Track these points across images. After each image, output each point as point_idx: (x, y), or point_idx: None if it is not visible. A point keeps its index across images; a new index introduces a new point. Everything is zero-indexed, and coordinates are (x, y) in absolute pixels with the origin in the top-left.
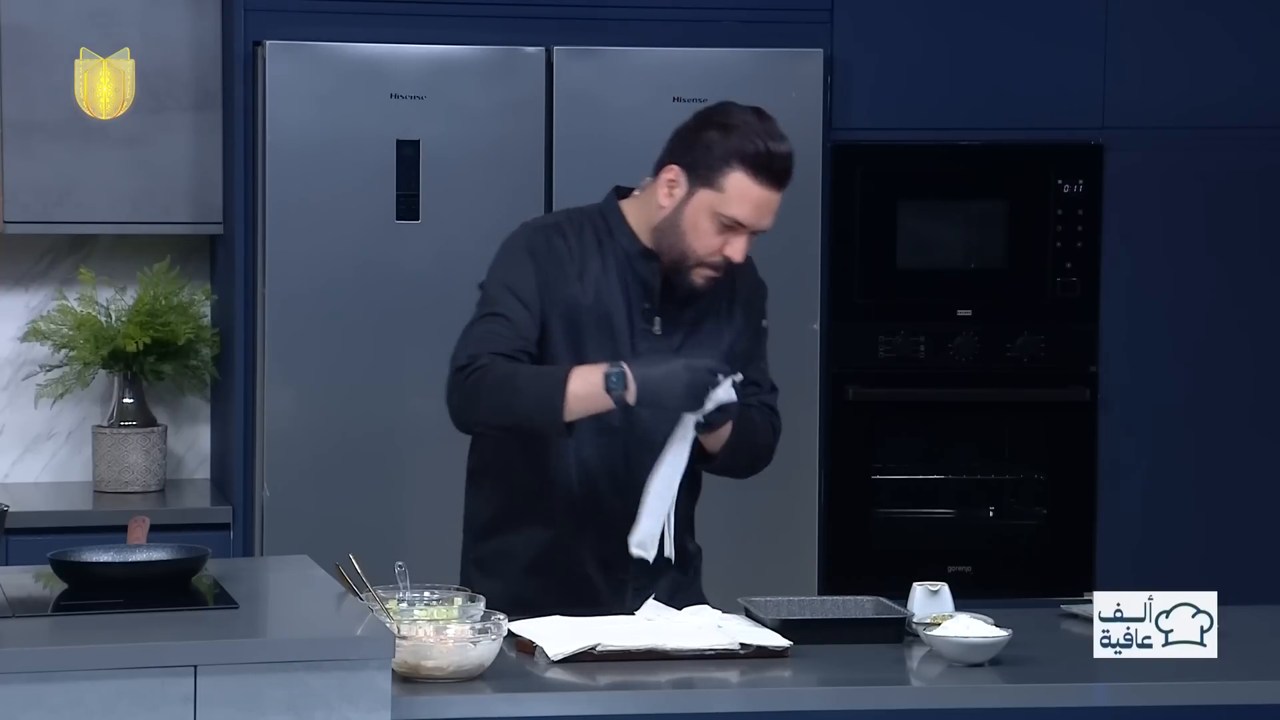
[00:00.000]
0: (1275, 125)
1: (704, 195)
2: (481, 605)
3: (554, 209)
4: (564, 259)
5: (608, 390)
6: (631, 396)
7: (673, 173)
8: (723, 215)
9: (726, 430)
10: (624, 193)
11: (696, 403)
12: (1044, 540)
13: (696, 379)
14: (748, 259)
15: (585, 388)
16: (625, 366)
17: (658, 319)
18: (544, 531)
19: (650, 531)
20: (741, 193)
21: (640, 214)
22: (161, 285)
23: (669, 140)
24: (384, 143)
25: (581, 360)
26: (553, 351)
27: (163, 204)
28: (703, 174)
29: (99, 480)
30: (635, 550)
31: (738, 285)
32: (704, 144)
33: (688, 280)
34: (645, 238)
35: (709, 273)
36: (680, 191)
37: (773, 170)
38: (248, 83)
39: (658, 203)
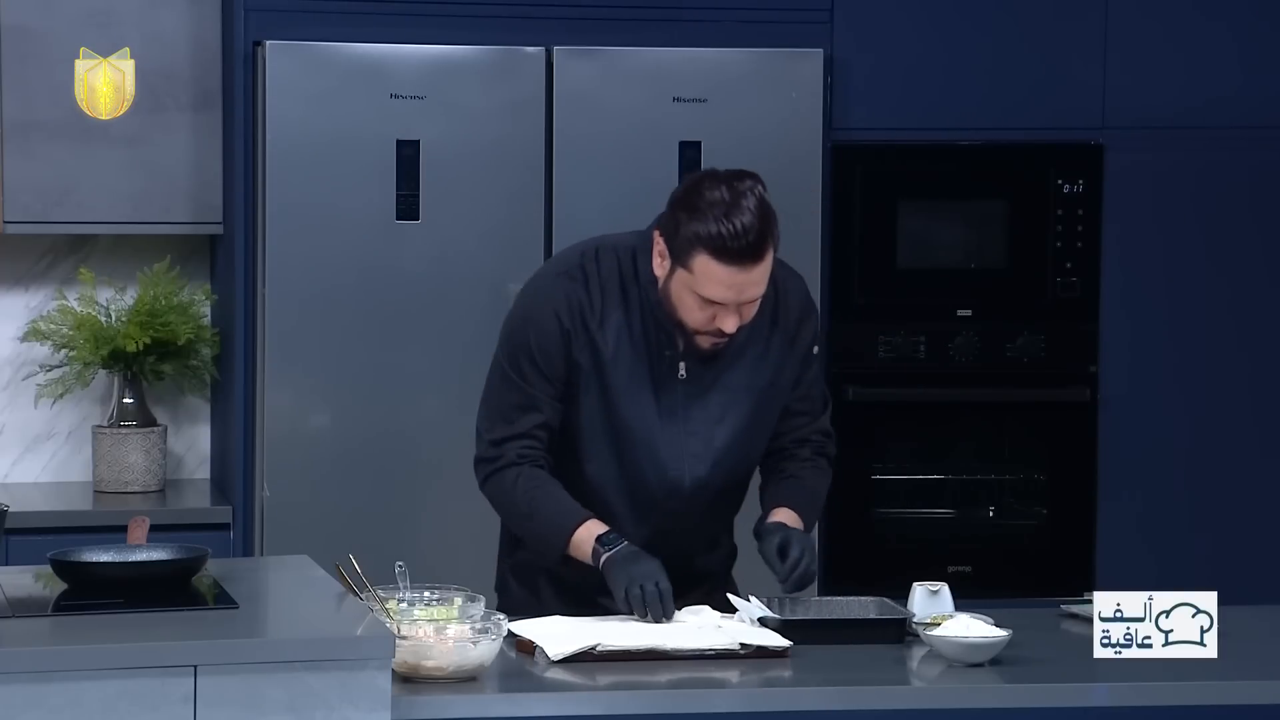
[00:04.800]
0: (1274, 125)
1: (681, 274)
2: (481, 605)
3: (554, 209)
4: (585, 312)
5: (593, 555)
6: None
7: (660, 245)
8: (699, 294)
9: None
10: None
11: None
12: (1044, 540)
13: (637, 589)
14: (796, 282)
15: (580, 552)
16: (614, 546)
17: (682, 364)
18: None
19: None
20: (708, 275)
21: (654, 260)
22: (161, 285)
23: (668, 200)
24: (384, 143)
25: (613, 409)
26: (584, 401)
27: (163, 204)
28: (676, 252)
29: (99, 480)
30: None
31: (778, 318)
32: (675, 222)
33: (693, 344)
34: None
35: (711, 339)
36: (666, 264)
37: (731, 251)
38: (248, 83)
39: (654, 269)
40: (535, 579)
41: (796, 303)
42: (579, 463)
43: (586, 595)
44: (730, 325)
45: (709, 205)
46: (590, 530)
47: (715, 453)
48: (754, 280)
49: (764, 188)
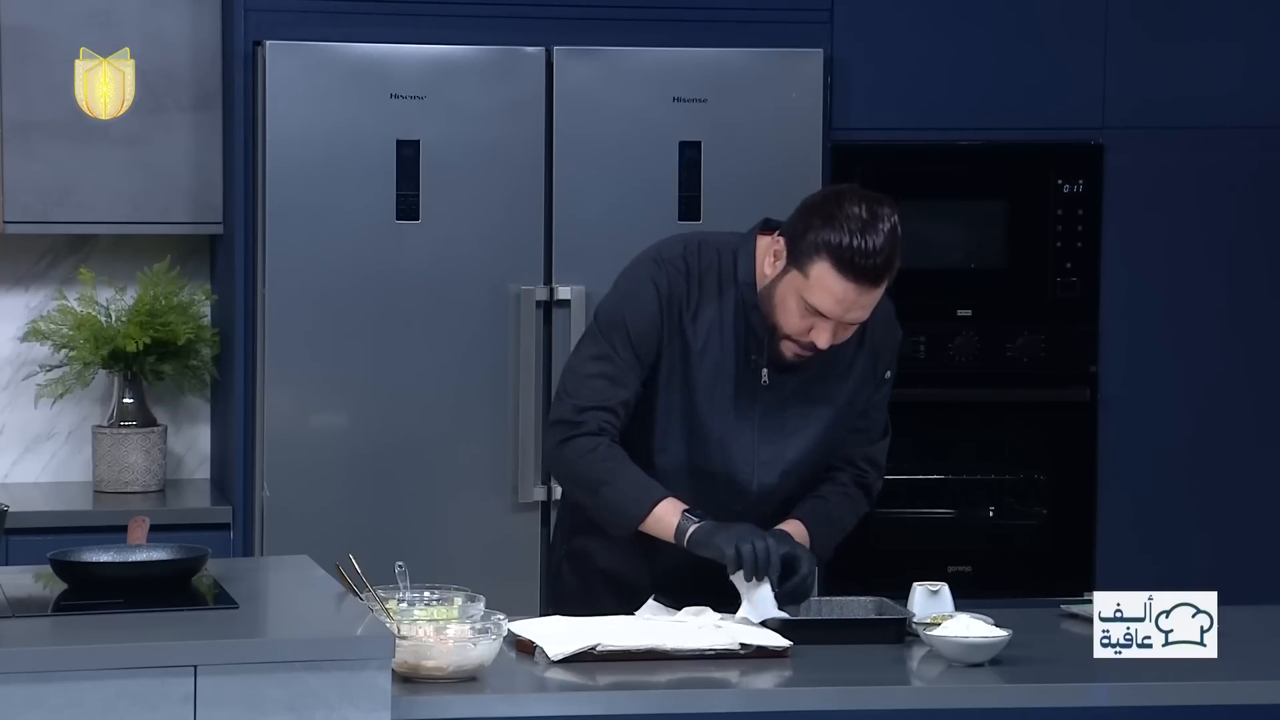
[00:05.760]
0: (1274, 125)
1: (794, 277)
2: (481, 605)
3: (554, 209)
4: (681, 302)
5: (676, 532)
6: (686, 542)
7: (779, 245)
8: (807, 301)
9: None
10: (772, 226)
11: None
12: (1044, 540)
13: (748, 545)
14: (885, 304)
15: (661, 524)
16: (698, 521)
17: (765, 371)
18: (614, 543)
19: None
20: (824, 284)
21: (765, 259)
22: (161, 285)
23: (798, 206)
24: (384, 143)
25: (691, 404)
26: (664, 391)
27: (163, 204)
28: (796, 255)
29: (99, 480)
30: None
31: (866, 337)
32: (804, 225)
33: (778, 349)
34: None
35: (797, 349)
36: (780, 265)
37: (856, 267)
38: (248, 83)
39: (763, 269)
40: (590, 571)
41: (883, 325)
42: (650, 451)
43: (637, 591)
44: (823, 341)
45: (846, 217)
46: (675, 505)
47: (786, 462)
48: (862, 303)
49: (900, 221)
